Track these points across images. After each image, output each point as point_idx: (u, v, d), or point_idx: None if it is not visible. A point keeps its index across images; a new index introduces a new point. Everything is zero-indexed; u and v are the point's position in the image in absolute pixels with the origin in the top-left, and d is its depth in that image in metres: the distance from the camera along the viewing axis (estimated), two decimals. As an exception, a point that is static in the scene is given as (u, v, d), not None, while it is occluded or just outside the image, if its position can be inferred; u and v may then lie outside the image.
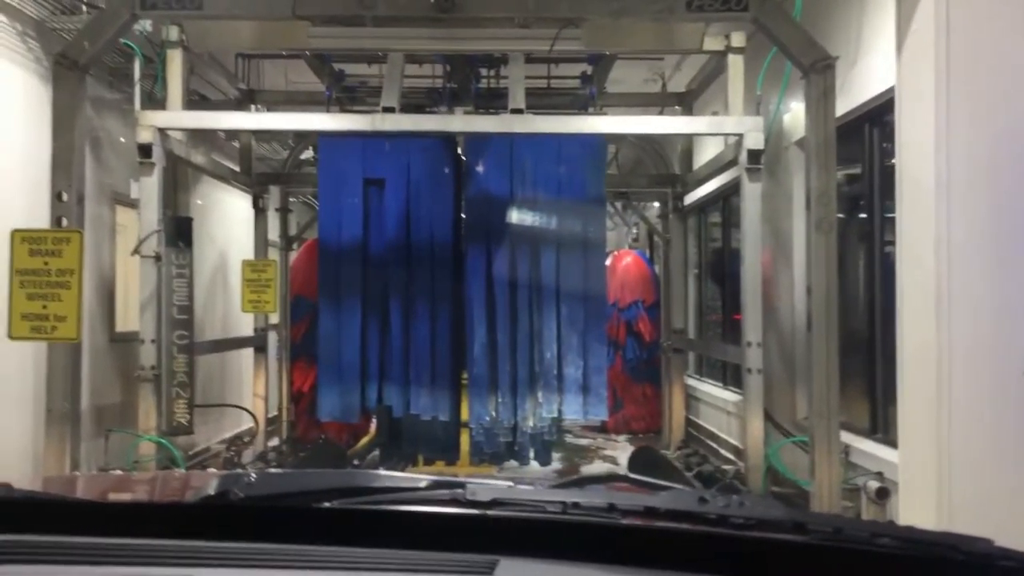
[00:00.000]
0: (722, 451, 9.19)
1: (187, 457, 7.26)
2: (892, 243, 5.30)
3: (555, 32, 6.47)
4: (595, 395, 7.43)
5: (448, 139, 7.57)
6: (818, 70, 5.49)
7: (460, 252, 7.58)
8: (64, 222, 5.60)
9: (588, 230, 7.47)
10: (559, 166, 7.38)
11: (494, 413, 7.41)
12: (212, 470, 7.62)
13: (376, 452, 8.73)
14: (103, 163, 7.66)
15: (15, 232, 5.52)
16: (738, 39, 7.30)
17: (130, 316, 7.66)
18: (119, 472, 5.98)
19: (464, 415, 7.82)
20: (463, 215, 7.66)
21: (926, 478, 4.56)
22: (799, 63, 5.60)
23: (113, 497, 1.96)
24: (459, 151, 7.74)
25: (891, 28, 5.02)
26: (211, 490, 1.62)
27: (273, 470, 7.37)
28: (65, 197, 5.62)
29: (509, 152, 7.38)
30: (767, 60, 6.78)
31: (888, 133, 5.80)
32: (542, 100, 9.16)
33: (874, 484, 5.53)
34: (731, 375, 9.22)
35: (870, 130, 6.25)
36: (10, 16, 6.41)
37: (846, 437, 5.93)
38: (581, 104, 9.35)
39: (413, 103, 8.94)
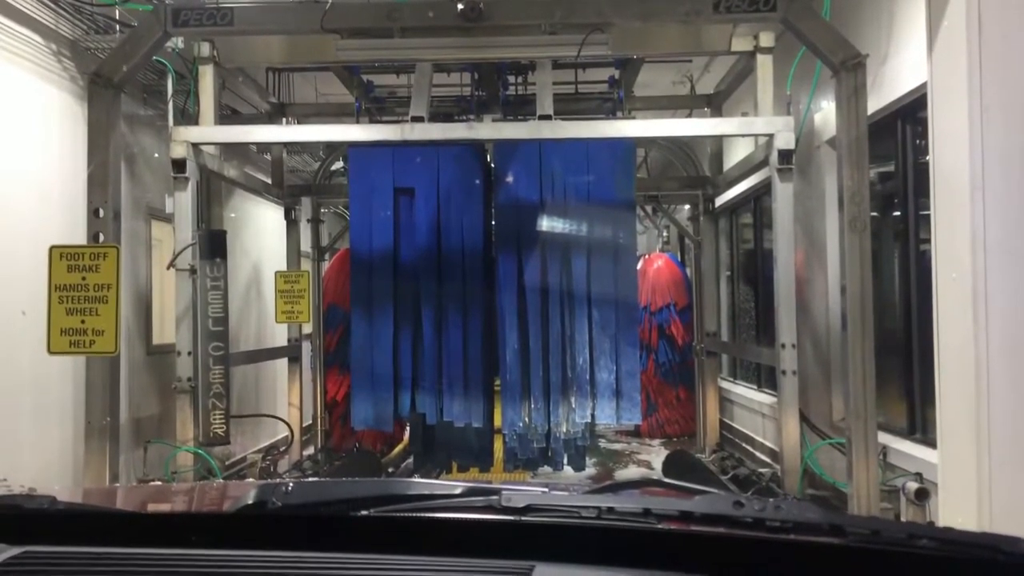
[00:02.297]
0: (757, 454, 9.12)
1: (224, 467, 7.34)
2: (927, 241, 5.24)
3: (582, 37, 6.47)
4: (628, 399, 7.40)
5: (477, 147, 7.59)
6: (848, 68, 5.44)
7: (491, 259, 7.59)
8: (101, 237, 5.69)
9: (618, 234, 7.45)
10: (588, 171, 7.37)
11: (527, 419, 7.41)
12: (250, 480, 7.69)
13: (410, 459, 8.76)
14: (138, 179, 7.79)
15: (53, 248, 5.61)
16: (767, 39, 7.25)
17: (166, 329, 7.77)
18: (158, 483, 6.06)
19: (497, 421, 7.83)
20: (493, 222, 7.68)
21: (966, 478, 4.49)
22: (829, 61, 5.56)
23: (153, 508, 1.98)
24: (488, 159, 7.77)
25: (922, 23, 4.96)
26: (249, 499, 1.64)
27: (310, 479, 7.42)
28: (102, 213, 5.71)
29: (538, 158, 7.38)
30: (796, 59, 6.73)
31: (921, 130, 5.74)
32: (570, 105, 9.16)
33: (913, 485, 5.46)
34: (765, 377, 9.15)
35: (903, 127, 6.18)
36: (45, 37, 6.53)
37: (884, 438, 5.86)
38: (609, 108, 9.34)
39: (442, 112, 8.99)
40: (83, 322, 5.57)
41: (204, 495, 2.08)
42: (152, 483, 6.17)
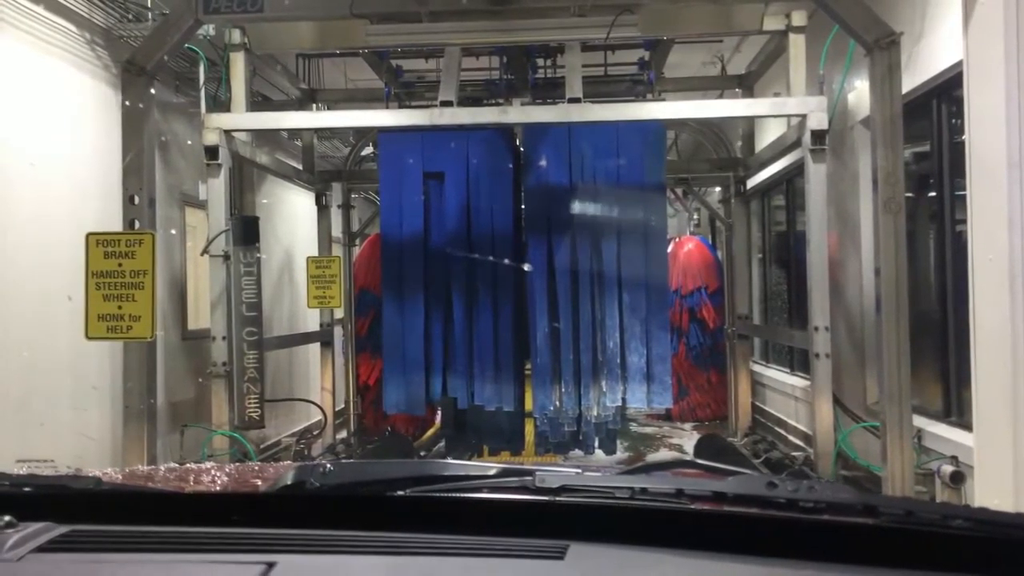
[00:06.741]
0: (790, 438, 9.07)
1: (259, 450, 7.43)
2: (963, 222, 5.17)
3: (611, 19, 6.43)
4: (659, 383, 7.39)
5: (506, 131, 7.59)
6: (882, 47, 5.37)
7: (521, 243, 7.60)
8: (136, 224, 5.77)
9: (649, 217, 7.43)
10: (618, 154, 7.34)
11: (558, 403, 7.42)
12: (287, 462, 7.77)
13: (442, 443, 8.82)
14: (171, 166, 7.87)
15: (90, 235, 5.69)
16: (799, 18, 7.17)
17: (201, 314, 7.86)
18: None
19: (528, 405, 7.86)
20: (523, 206, 7.68)
21: (1002, 461, 4.45)
22: (862, 40, 5.49)
23: (194, 488, 2.02)
24: (517, 142, 7.76)
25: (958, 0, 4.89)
26: (288, 480, 1.67)
27: (346, 461, 7.48)
28: (137, 200, 5.79)
29: (567, 141, 7.36)
30: (829, 38, 6.65)
31: (957, 109, 5.65)
32: (599, 88, 9.13)
33: (948, 468, 5.41)
34: (798, 360, 9.09)
35: (938, 106, 6.09)
36: (79, 25, 6.61)
37: (918, 421, 5.81)
38: (639, 90, 9.28)
39: (471, 96, 8.99)
40: (120, 308, 5.65)
41: (243, 476, 2.11)
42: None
